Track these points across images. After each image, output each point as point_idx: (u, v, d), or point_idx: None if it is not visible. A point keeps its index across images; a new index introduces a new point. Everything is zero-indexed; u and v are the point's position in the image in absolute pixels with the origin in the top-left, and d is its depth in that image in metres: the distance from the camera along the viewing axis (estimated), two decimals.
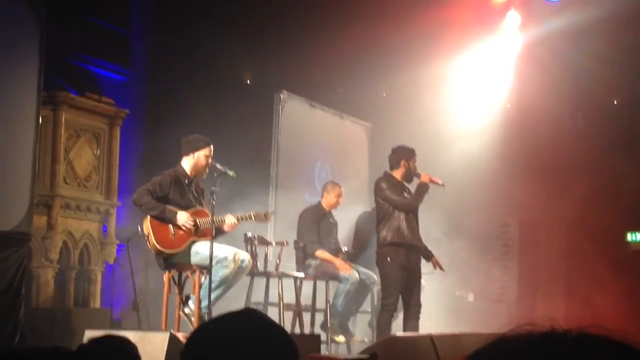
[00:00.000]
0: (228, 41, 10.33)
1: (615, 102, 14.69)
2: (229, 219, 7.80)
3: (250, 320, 1.81)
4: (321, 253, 9.36)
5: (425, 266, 9.00)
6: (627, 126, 13.86)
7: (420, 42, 11.94)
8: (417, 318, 8.53)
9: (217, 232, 7.84)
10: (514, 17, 12.89)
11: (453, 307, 11.16)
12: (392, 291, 8.47)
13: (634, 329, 11.86)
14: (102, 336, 3.83)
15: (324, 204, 9.80)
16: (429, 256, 8.90)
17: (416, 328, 8.39)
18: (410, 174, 8.76)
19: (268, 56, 11.52)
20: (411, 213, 8.62)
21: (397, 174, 8.74)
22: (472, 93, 13.23)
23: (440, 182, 8.79)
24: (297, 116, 11.67)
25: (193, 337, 1.85)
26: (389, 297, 8.49)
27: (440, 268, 9.02)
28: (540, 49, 12.97)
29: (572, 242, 13.14)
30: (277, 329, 1.87)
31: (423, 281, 9.13)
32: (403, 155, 8.79)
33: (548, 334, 0.82)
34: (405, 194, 8.70)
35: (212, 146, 7.88)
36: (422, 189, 8.70)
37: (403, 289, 8.51)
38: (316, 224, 9.56)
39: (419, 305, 8.59)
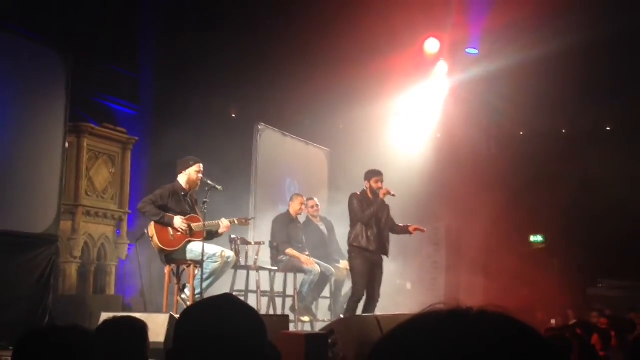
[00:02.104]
0: (217, 83, 10.33)
1: (520, 133, 14.85)
2: (224, 222, 7.79)
3: (227, 302, 1.82)
4: (290, 251, 9.34)
5: None
6: (529, 152, 14.01)
7: (369, 85, 12.00)
8: (374, 305, 8.40)
9: (212, 235, 7.81)
10: (442, 66, 12.95)
11: (394, 294, 11.14)
12: (358, 280, 8.36)
13: (533, 306, 11.98)
14: (118, 315, 3.82)
15: (291, 211, 9.80)
16: (407, 230, 8.83)
17: (372, 312, 8.22)
18: (373, 191, 8.56)
19: (249, 96, 11.54)
20: (372, 222, 8.46)
21: (367, 191, 8.58)
22: (410, 125, 13.29)
23: (392, 193, 8.58)
24: (272, 143, 11.65)
25: (183, 315, 1.85)
26: (356, 285, 8.40)
27: (421, 230, 8.91)
28: (463, 91, 13.07)
29: (487, 243, 13.22)
30: (247, 306, 1.87)
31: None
32: (365, 177, 8.68)
33: (454, 310, 0.82)
34: (373, 209, 8.44)
35: (201, 164, 7.85)
36: (376, 204, 8.48)
37: (368, 281, 8.38)
38: (286, 227, 9.54)
39: (378, 296, 8.47)
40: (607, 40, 10.96)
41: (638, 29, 10.79)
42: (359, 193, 8.64)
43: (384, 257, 8.74)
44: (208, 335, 1.70)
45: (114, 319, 3.59)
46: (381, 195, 8.47)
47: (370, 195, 8.53)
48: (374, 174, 8.65)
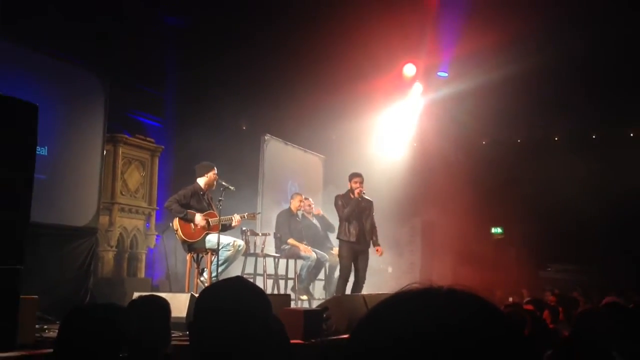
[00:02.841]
0: (230, 100, 10.31)
1: (483, 143, 14.88)
2: (236, 217, 7.80)
3: (239, 283, 1.83)
4: (291, 241, 9.33)
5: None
6: (490, 158, 14.04)
7: (357, 103, 12.02)
8: (360, 286, 8.32)
9: (226, 228, 7.80)
10: (418, 87, 12.98)
11: (377, 276, 11.15)
12: (344, 265, 8.31)
13: (494, 286, 11.97)
14: (147, 294, 3.82)
15: (292, 207, 9.79)
16: (374, 244, 8.65)
17: (358, 292, 8.16)
18: (352, 191, 8.44)
19: (257, 111, 11.52)
20: (352, 217, 8.34)
21: (349, 191, 8.48)
22: (391, 136, 13.31)
23: (363, 193, 8.38)
24: (276, 150, 11.64)
25: (203, 294, 1.86)
26: (343, 268, 8.35)
27: (379, 252, 8.75)
28: (435, 108, 13.10)
29: (457, 234, 13.23)
30: (255, 286, 1.88)
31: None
32: (348, 177, 8.62)
33: (427, 288, 0.82)
34: (350, 207, 8.32)
35: (216, 168, 7.88)
36: (352, 203, 8.39)
37: (353, 266, 8.31)
38: (287, 221, 9.53)
39: (363, 279, 8.38)
40: (553, 65, 11.01)
41: (577, 57, 10.83)
42: (342, 193, 8.56)
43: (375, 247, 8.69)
44: (223, 311, 1.71)
45: (142, 297, 3.59)
46: (356, 195, 8.35)
47: (351, 195, 8.44)
48: (353, 176, 8.54)
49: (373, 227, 8.65)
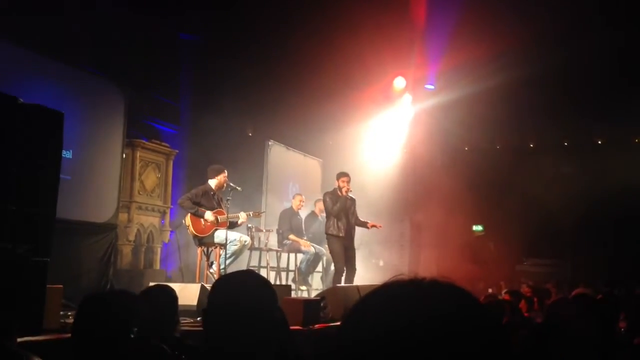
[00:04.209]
0: (238, 109, 10.30)
1: (465, 149, 14.90)
2: (242, 215, 7.78)
3: (249, 274, 1.85)
4: (293, 237, 9.33)
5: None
6: (472, 163, 14.05)
7: (352, 111, 12.02)
8: (352, 277, 8.22)
9: (233, 224, 7.77)
10: (407, 97, 12.97)
11: (370, 269, 11.16)
12: (337, 260, 8.22)
13: (476, 278, 11.97)
14: (155, 284, 3.84)
15: (293, 206, 9.78)
16: (366, 225, 8.55)
17: (351, 282, 8.12)
18: (340, 189, 8.28)
19: (262, 118, 11.53)
20: (341, 214, 8.19)
21: (336, 189, 8.34)
22: (383, 142, 13.30)
23: (349, 191, 8.21)
24: (278, 155, 11.65)
25: (216, 284, 1.88)
26: (336, 263, 8.25)
27: (376, 226, 8.63)
28: (423, 117, 13.09)
29: (441, 231, 13.24)
30: (263, 279, 1.89)
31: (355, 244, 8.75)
32: (336, 177, 8.45)
33: (412, 280, 0.82)
34: (339, 204, 8.17)
35: (226, 171, 7.86)
36: (341, 200, 8.19)
37: (345, 258, 8.20)
38: (289, 219, 9.52)
39: (354, 269, 8.27)
40: (529, 77, 11.02)
41: (553, 68, 10.84)
42: (330, 191, 8.42)
43: (363, 241, 8.65)
44: (234, 300, 1.72)
45: (152, 286, 3.60)
46: (344, 193, 8.22)
47: (338, 192, 8.29)
48: (340, 175, 8.37)
49: (357, 221, 8.49)
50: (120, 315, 2.16)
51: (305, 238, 9.46)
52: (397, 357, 0.75)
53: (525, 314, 6.14)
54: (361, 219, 8.60)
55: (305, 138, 12.53)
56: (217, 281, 1.91)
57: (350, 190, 8.32)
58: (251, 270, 1.96)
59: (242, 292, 1.73)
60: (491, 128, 13.63)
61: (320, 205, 9.30)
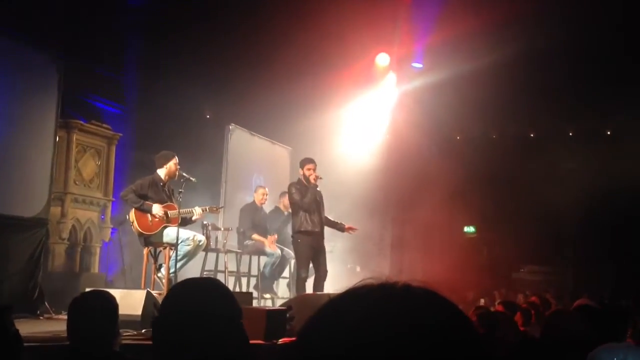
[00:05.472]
0: (194, 86, 10.22)
1: (457, 138, 15.02)
2: (197, 210, 7.70)
3: (212, 282, 1.85)
4: (256, 236, 9.33)
5: (328, 244, 8.77)
6: (464, 154, 14.17)
7: (327, 93, 12.01)
8: (322, 282, 8.16)
9: (186, 221, 7.68)
10: (391, 77, 13.02)
11: (346, 275, 11.20)
12: (302, 264, 8.15)
13: (465, 287, 12.12)
14: (91, 290, 3.79)
15: (256, 200, 9.77)
16: (342, 228, 8.60)
17: (321, 289, 8.08)
18: (307, 178, 8.20)
19: (223, 98, 11.46)
20: (312, 206, 8.12)
21: (302, 179, 8.28)
22: (363, 127, 13.32)
23: (320, 177, 8.18)
24: (241, 141, 11.60)
25: (172, 291, 1.87)
26: (300, 268, 8.18)
27: (353, 229, 8.67)
28: (409, 99, 13.16)
29: (427, 232, 13.36)
30: (228, 293, 1.88)
31: (329, 247, 8.78)
32: (300, 165, 8.41)
33: (382, 284, 0.83)
34: (309, 195, 8.08)
35: (177, 157, 7.75)
36: (310, 191, 8.11)
37: (313, 261, 8.18)
38: (251, 215, 9.51)
39: (325, 272, 8.19)
40: (529, 59, 11.12)
41: (554, 48, 10.94)
42: (295, 182, 8.38)
43: (337, 242, 8.68)
44: (190, 311, 1.73)
45: (87, 292, 3.53)
46: (312, 182, 8.16)
47: (305, 182, 8.22)
48: (306, 162, 8.33)
49: (327, 221, 8.46)
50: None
51: (271, 237, 9.45)
52: None
53: (521, 328, 6.22)
54: (331, 219, 8.59)
55: (273, 123, 12.50)
56: (174, 287, 1.90)
57: (320, 178, 8.24)
58: (214, 278, 1.96)
59: (201, 303, 1.74)
60: (486, 115, 13.75)
61: (286, 200, 9.20)
